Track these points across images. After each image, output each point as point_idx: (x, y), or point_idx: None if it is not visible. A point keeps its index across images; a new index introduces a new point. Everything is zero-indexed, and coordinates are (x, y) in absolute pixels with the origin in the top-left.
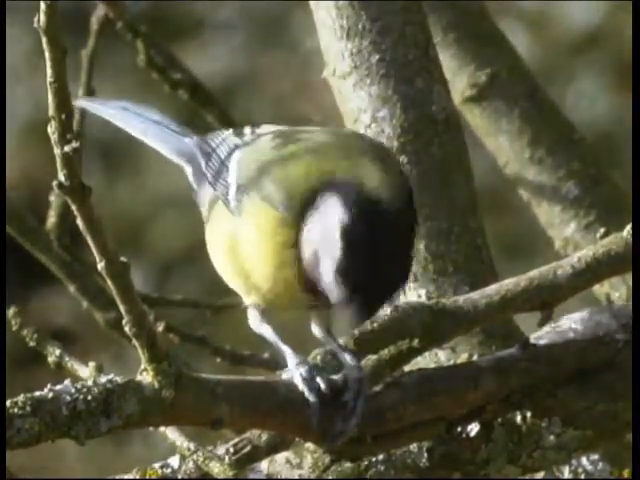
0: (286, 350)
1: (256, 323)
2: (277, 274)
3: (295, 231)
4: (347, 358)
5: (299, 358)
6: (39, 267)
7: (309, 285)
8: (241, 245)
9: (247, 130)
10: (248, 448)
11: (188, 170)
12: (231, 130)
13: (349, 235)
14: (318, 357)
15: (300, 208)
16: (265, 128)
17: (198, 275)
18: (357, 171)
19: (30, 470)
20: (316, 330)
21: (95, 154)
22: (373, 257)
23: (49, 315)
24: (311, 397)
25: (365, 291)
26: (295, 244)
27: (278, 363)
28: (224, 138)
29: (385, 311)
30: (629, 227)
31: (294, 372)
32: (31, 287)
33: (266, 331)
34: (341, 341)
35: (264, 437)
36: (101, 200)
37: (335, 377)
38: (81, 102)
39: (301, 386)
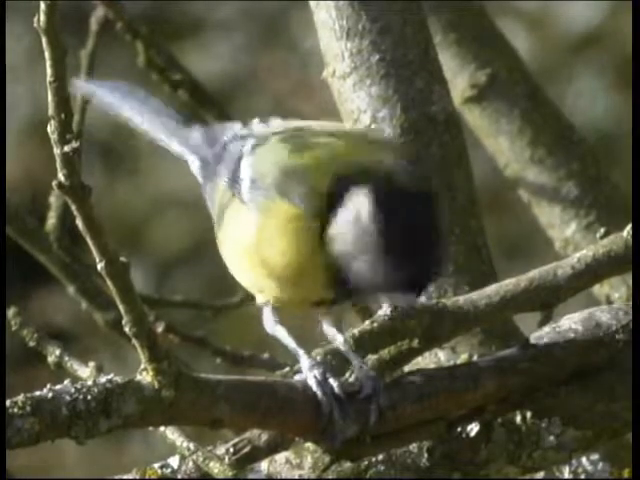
0: (300, 352)
1: (270, 324)
2: (298, 270)
3: (317, 226)
4: (356, 359)
5: (313, 360)
6: (39, 267)
7: (338, 280)
8: (259, 242)
9: (256, 123)
10: (248, 448)
11: (194, 163)
12: (240, 124)
13: (385, 228)
14: (318, 357)
15: (321, 202)
16: (276, 122)
17: (198, 275)
18: (375, 159)
19: (30, 470)
20: (327, 330)
21: (95, 154)
22: (413, 241)
23: (49, 315)
24: (324, 399)
25: (414, 272)
26: (320, 240)
27: (278, 363)
28: (236, 133)
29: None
30: (629, 227)
31: (308, 374)
32: (31, 287)
33: (280, 332)
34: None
35: (264, 437)
36: (101, 200)
37: (349, 378)
38: (79, 85)
39: (315, 387)
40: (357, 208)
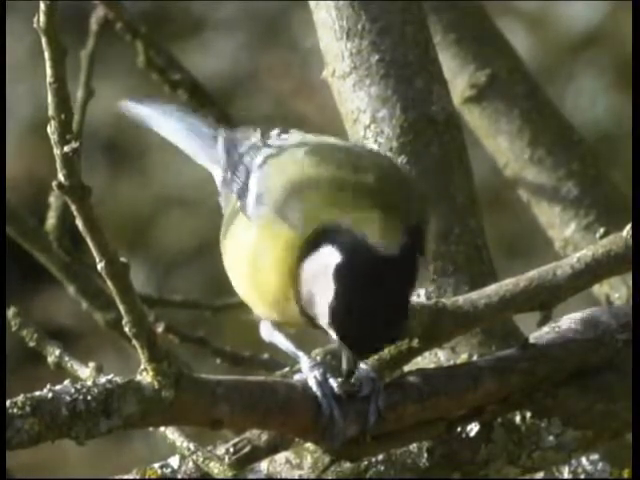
0: (299, 354)
1: (267, 333)
2: (280, 294)
3: (300, 256)
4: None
5: (313, 361)
6: (39, 267)
7: (308, 316)
8: (253, 258)
9: (275, 134)
10: (248, 448)
11: (217, 175)
12: (259, 133)
13: (342, 279)
14: (318, 358)
15: (308, 237)
16: (294, 134)
17: (201, 274)
18: (365, 216)
19: (31, 469)
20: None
21: (99, 151)
22: (366, 302)
23: (49, 315)
24: (324, 400)
25: (358, 336)
26: (296, 273)
27: (278, 363)
28: (251, 145)
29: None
30: (629, 227)
31: (308, 374)
32: (31, 287)
33: (277, 339)
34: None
35: (264, 437)
36: (104, 198)
37: (349, 379)
38: (125, 105)
39: (315, 388)
40: (320, 260)
